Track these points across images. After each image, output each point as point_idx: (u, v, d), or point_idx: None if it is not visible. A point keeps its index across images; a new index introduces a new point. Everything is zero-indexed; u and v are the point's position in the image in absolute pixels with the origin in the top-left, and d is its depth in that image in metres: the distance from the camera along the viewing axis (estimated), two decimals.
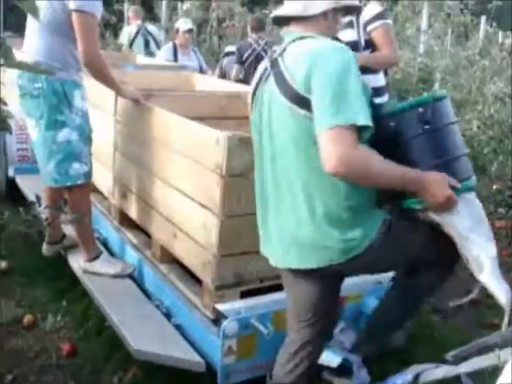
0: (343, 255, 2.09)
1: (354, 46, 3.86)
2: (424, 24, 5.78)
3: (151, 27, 8.83)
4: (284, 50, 2.10)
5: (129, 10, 9.65)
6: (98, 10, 3.21)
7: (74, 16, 3.10)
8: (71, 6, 3.09)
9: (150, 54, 7.84)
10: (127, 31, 8.62)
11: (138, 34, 8.32)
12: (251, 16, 8.68)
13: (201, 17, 9.67)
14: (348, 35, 3.93)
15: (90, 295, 3.38)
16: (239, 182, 2.58)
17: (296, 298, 2.35)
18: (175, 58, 6.69)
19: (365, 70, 3.79)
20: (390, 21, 4.02)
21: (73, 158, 3.35)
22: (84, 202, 3.54)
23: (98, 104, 3.85)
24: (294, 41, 2.09)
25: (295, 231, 2.12)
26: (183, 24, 6.87)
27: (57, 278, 4.01)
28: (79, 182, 3.41)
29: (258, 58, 6.10)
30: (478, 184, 5.52)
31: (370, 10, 3.91)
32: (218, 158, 2.54)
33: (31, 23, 3.34)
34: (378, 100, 3.93)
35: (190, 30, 6.86)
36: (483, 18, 8.71)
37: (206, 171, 2.65)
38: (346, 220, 2.07)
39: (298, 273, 2.22)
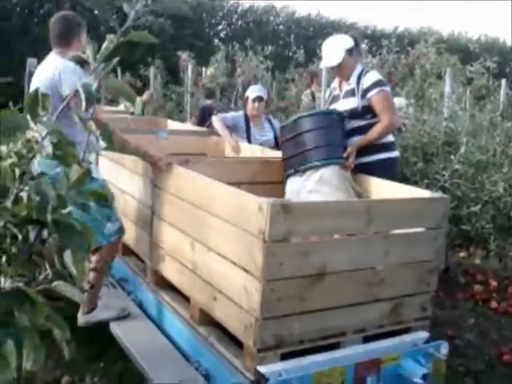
0: None
1: (354, 112, 4.15)
2: (447, 89, 5.95)
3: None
4: None
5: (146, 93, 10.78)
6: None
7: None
8: (66, 92, 3.25)
9: None
10: None
11: None
12: (204, 87, 10.16)
13: (226, 82, 9.94)
14: (350, 103, 4.18)
15: (129, 356, 3.44)
16: (281, 246, 2.69)
17: None
18: (248, 130, 5.73)
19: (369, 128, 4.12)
20: (387, 88, 4.23)
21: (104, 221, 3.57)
22: (107, 259, 3.78)
23: (136, 169, 3.99)
24: None
25: None
26: (251, 91, 5.88)
27: (93, 338, 4.08)
28: (112, 240, 3.70)
29: None
30: (505, 244, 5.59)
31: (369, 78, 4.15)
32: (261, 224, 2.64)
33: None
34: (387, 155, 4.20)
35: (259, 98, 5.73)
36: (504, 81, 8.91)
37: (249, 236, 2.75)
38: None
39: None
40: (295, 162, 3.93)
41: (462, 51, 13.81)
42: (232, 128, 5.62)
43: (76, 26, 3.62)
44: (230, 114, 5.95)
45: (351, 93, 4.19)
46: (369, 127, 4.12)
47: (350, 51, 4.17)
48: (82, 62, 3.25)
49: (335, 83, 4.43)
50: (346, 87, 4.24)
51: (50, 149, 1.04)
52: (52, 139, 1.04)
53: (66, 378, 3.64)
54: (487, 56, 8.03)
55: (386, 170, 4.01)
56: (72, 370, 3.75)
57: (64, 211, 1.04)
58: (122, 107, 9.67)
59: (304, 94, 9.53)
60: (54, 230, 1.01)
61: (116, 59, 1.20)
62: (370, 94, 4.10)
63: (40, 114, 1.05)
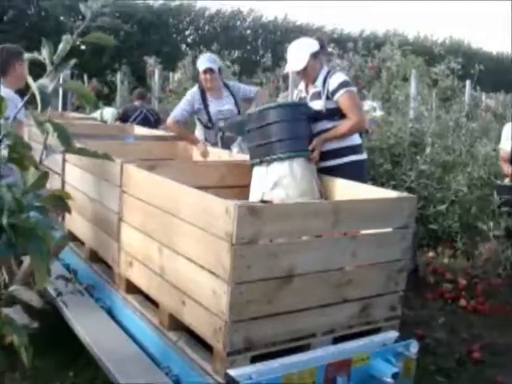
0: None
1: (319, 114, 4.15)
2: (413, 90, 6.02)
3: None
4: None
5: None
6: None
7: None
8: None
9: None
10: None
11: None
12: (137, 90, 10.16)
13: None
14: (317, 105, 4.19)
15: (98, 363, 3.40)
16: (249, 249, 2.68)
17: None
18: (204, 103, 5.40)
19: None
20: (354, 88, 4.30)
21: None
22: None
23: (103, 175, 3.96)
24: None
25: None
26: (200, 63, 5.46)
27: (61, 347, 4.02)
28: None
29: (145, 119, 8.11)
30: (472, 243, 5.66)
31: (335, 79, 4.17)
32: (228, 226, 2.64)
33: None
34: (356, 157, 4.24)
35: (210, 70, 5.32)
36: (468, 82, 9.05)
37: (216, 239, 2.74)
38: None
39: None
40: (261, 152, 3.93)
41: (428, 54, 13.95)
42: (192, 112, 5.51)
43: (9, 57, 4.19)
44: (182, 104, 5.52)
45: (317, 95, 4.20)
46: None
47: (315, 55, 4.18)
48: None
49: (302, 85, 4.45)
50: (312, 90, 4.26)
51: (5, 152, 1.02)
52: (8, 141, 1.02)
53: None
54: (452, 58, 8.13)
55: (356, 173, 4.03)
56: (39, 379, 3.70)
57: (22, 215, 1.02)
58: (95, 115, 9.53)
59: (281, 96, 9.58)
60: (12, 235, 1.00)
61: (73, 61, 1.18)
62: (337, 95, 4.12)
63: None
